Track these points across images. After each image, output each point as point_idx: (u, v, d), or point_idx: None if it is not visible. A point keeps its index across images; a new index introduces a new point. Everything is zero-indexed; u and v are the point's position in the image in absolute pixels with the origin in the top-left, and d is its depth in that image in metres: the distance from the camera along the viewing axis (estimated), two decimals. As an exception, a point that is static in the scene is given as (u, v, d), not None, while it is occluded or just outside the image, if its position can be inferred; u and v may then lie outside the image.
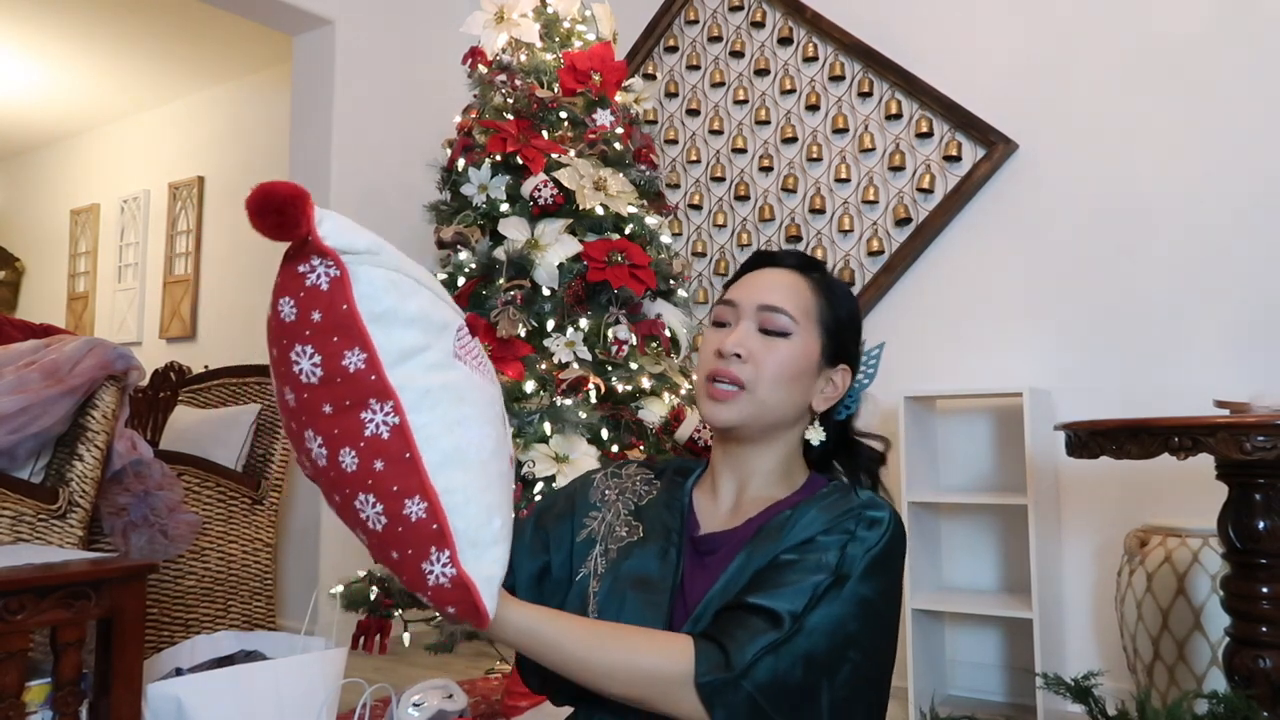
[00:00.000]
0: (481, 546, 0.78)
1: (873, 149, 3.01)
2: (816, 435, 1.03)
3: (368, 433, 0.74)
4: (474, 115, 2.56)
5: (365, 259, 0.74)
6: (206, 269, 4.89)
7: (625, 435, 2.28)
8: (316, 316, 0.73)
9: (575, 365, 2.25)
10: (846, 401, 1.07)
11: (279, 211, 0.68)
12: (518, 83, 2.51)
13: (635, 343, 2.35)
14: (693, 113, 3.39)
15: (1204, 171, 2.48)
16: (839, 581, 0.88)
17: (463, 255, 2.40)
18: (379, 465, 0.74)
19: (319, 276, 0.73)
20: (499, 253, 2.35)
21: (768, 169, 3.21)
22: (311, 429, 0.75)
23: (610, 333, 2.31)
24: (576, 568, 1.02)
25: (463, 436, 0.78)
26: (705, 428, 2.16)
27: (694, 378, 2.18)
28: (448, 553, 0.76)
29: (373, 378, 0.74)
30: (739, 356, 0.98)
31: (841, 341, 1.04)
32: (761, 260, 1.08)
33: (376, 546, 0.78)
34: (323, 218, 0.72)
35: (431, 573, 0.76)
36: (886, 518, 0.94)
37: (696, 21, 3.43)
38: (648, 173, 2.57)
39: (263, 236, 0.69)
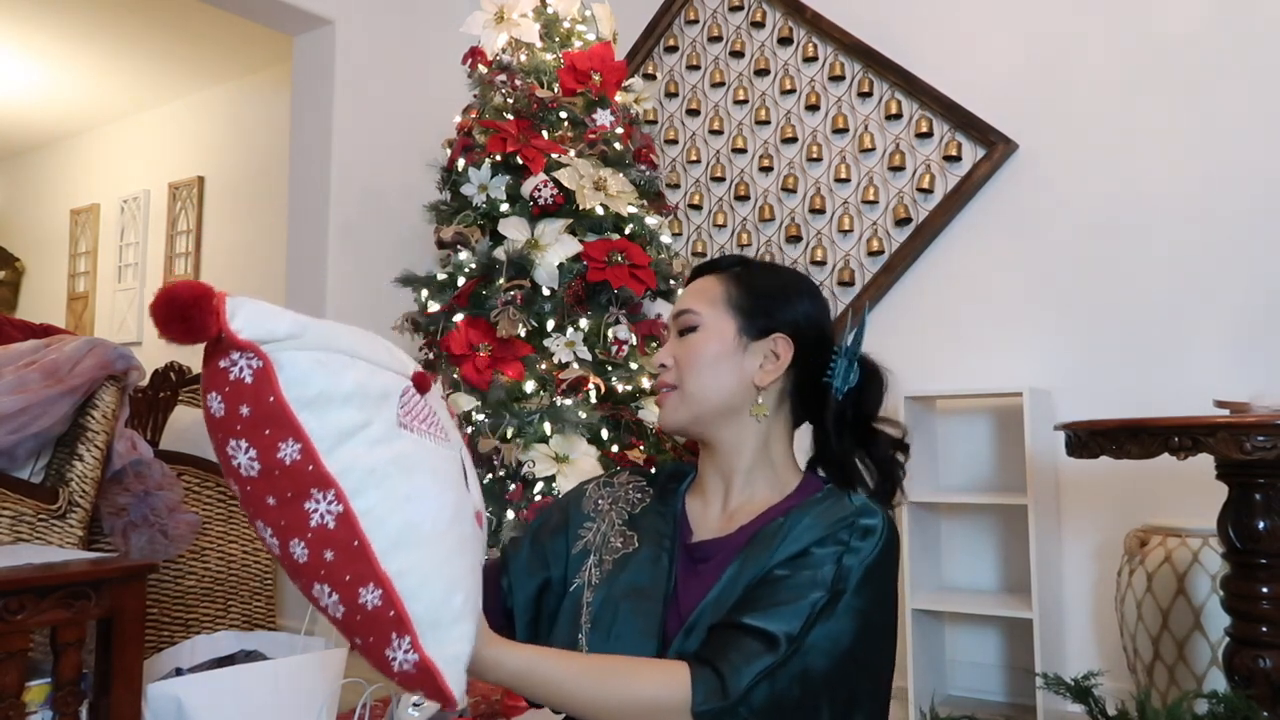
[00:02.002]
0: (443, 627, 0.76)
1: (873, 149, 3.01)
2: (762, 410, 1.02)
3: (313, 523, 0.72)
4: (474, 115, 2.56)
5: (288, 344, 0.71)
6: (206, 269, 4.89)
7: (625, 435, 2.28)
8: (245, 411, 0.70)
9: (575, 365, 2.25)
10: (842, 373, 1.03)
11: (184, 319, 0.66)
12: (518, 83, 2.51)
13: (635, 343, 2.35)
14: (693, 113, 3.39)
15: (1204, 171, 2.48)
16: (835, 597, 0.88)
17: (463, 255, 2.40)
18: (329, 555, 0.73)
19: (241, 370, 0.70)
20: (499, 253, 2.35)
21: (768, 169, 3.21)
22: (260, 520, 0.74)
23: (610, 333, 2.31)
24: (571, 579, 1.02)
25: (414, 511, 0.76)
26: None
27: None
28: (408, 639, 0.74)
29: (310, 468, 0.72)
30: (664, 366, 1.05)
31: (758, 313, 1.03)
32: (693, 275, 1.12)
33: (341, 630, 0.76)
34: (236, 309, 0.69)
35: (395, 659, 0.75)
36: (880, 525, 0.93)
37: (696, 21, 3.43)
38: (648, 173, 2.57)
39: (173, 343, 0.68)
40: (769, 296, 1.05)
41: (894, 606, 0.96)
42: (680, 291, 1.15)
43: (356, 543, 0.73)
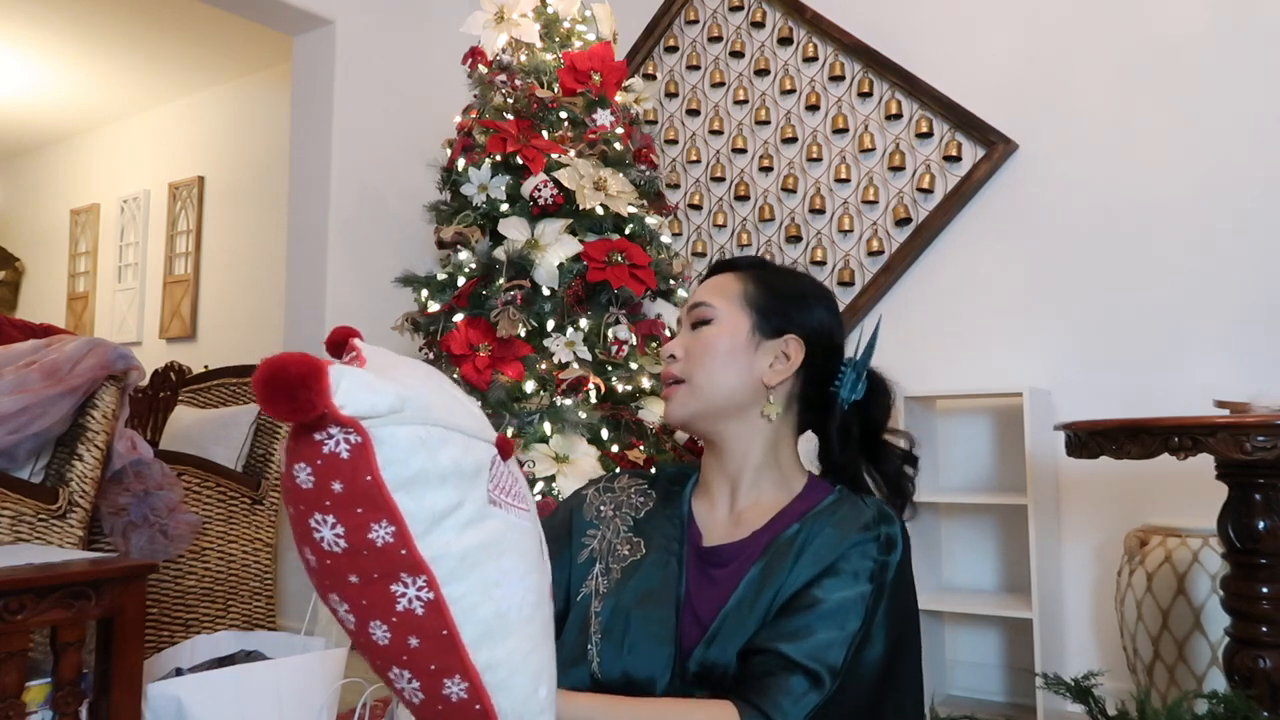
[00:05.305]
0: None
1: (873, 149, 3.01)
2: (774, 410, 1.02)
3: (400, 607, 0.68)
4: (474, 115, 2.56)
5: (389, 420, 0.67)
6: (206, 269, 4.89)
7: (625, 435, 2.27)
8: (337, 487, 0.66)
9: (575, 365, 2.24)
10: (850, 382, 1.04)
11: (291, 397, 0.61)
12: (518, 83, 2.51)
13: (635, 343, 2.35)
14: (693, 113, 3.39)
15: (1204, 171, 2.48)
16: (868, 626, 0.88)
17: (463, 255, 2.40)
18: (414, 642, 0.69)
19: (338, 444, 0.65)
20: (499, 253, 2.34)
21: (768, 169, 3.21)
22: (336, 594, 0.70)
23: (610, 333, 2.31)
24: (576, 588, 1.01)
25: (504, 599, 0.73)
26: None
27: None
28: None
29: (403, 551, 0.67)
30: (674, 357, 1.04)
31: (774, 312, 1.03)
32: (711, 272, 1.11)
33: (415, 714, 0.74)
34: (339, 381, 0.64)
35: None
36: (899, 534, 0.94)
37: (696, 21, 3.43)
38: (648, 173, 2.57)
39: (275, 419, 0.64)
40: (785, 298, 1.05)
41: (916, 609, 0.96)
42: (694, 287, 1.12)
43: (445, 631, 0.69)
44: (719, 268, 1.10)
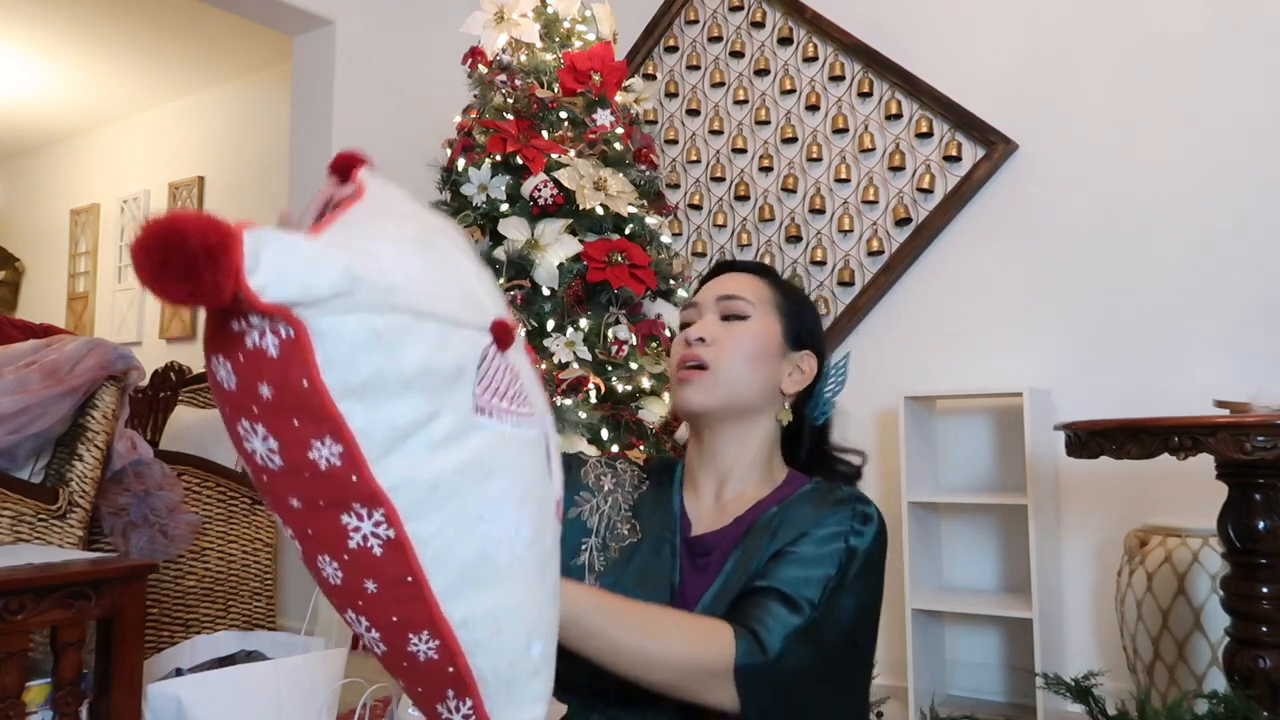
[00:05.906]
0: (517, 685, 0.60)
1: (873, 149, 3.01)
2: (786, 416, 1.06)
3: (352, 544, 0.54)
4: (474, 115, 2.56)
5: (333, 305, 0.48)
6: (206, 269, 4.89)
7: (625, 435, 2.27)
8: (266, 392, 0.49)
9: (575, 365, 2.24)
10: (821, 406, 1.09)
11: (190, 276, 0.42)
12: (518, 83, 2.51)
13: (635, 343, 2.35)
14: (693, 113, 3.39)
15: (1204, 171, 2.48)
16: (842, 576, 0.92)
17: (463, 255, 2.40)
18: (371, 586, 0.55)
19: (262, 337, 0.48)
20: (499, 253, 2.34)
21: (768, 169, 3.21)
22: (280, 517, 0.56)
23: (610, 333, 2.31)
24: (566, 555, 1.02)
25: (489, 533, 0.57)
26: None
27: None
28: (470, 701, 0.59)
29: (354, 478, 0.52)
30: (703, 341, 1.03)
31: (801, 325, 1.07)
32: (719, 269, 1.13)
33: (381, 664, 0.61)
34: (258, 253, 0.44)
35: (449, 719, 0.60)
36: (875, 513, 0.97)
37: (696, 21, 3.43)
38: (648, 173, 2.57)
39: (166, 302, 0.44)
40: (807, 312, 1.10)
41: (881, 596, 0.99)
42: (694, 287, 1.14)
43: (410, 579, 0.55)
44: (727, 267, 1.12)
